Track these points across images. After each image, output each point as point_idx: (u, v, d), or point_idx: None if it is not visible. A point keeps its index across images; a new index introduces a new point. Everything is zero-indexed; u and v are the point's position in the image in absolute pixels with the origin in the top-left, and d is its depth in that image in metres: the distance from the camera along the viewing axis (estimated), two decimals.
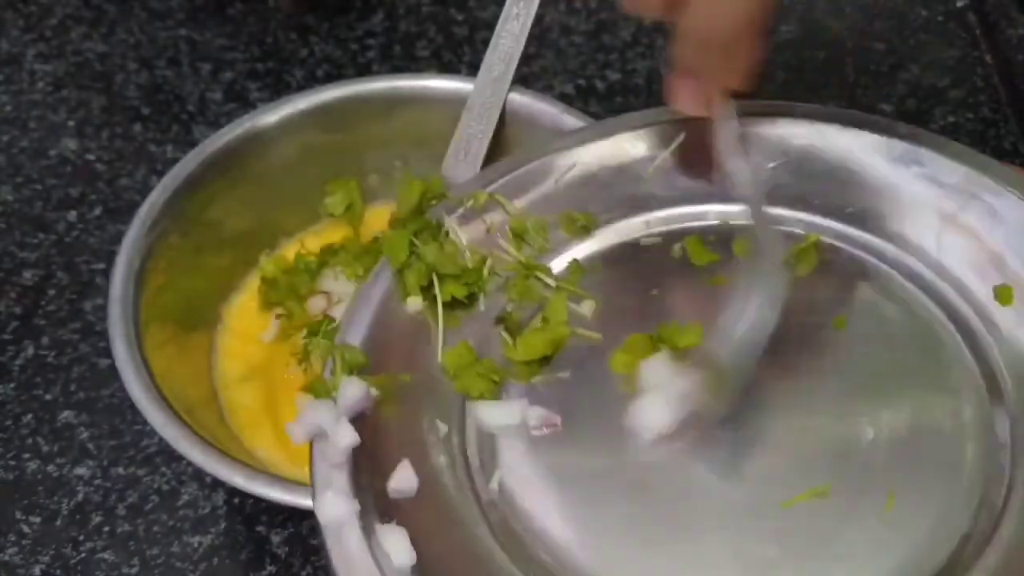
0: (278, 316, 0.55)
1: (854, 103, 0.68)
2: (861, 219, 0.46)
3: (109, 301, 0.48)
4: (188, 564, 0.49)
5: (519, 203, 0.48)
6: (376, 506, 0.38)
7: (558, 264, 0.47)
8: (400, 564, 0.37)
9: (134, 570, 0.49)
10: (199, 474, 0.52)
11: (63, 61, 0.75)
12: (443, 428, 0.42)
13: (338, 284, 0.55)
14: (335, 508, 0.38)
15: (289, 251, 0.59)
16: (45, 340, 0.58)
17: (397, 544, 0.37)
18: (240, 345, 0.55)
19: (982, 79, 0.70)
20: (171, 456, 0.53)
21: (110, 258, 0.51)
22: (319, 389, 0.41)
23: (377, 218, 0.61)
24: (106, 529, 0.50)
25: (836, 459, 0.40)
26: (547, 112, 0.56)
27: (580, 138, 0.50)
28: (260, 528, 0.50)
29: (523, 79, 0.56)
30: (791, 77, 0.71)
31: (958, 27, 0.74)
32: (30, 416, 0.55)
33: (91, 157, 0.68)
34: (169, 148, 0.69)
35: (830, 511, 0.38)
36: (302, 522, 0.50)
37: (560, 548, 0.39)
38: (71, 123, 0.71)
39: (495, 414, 0.42)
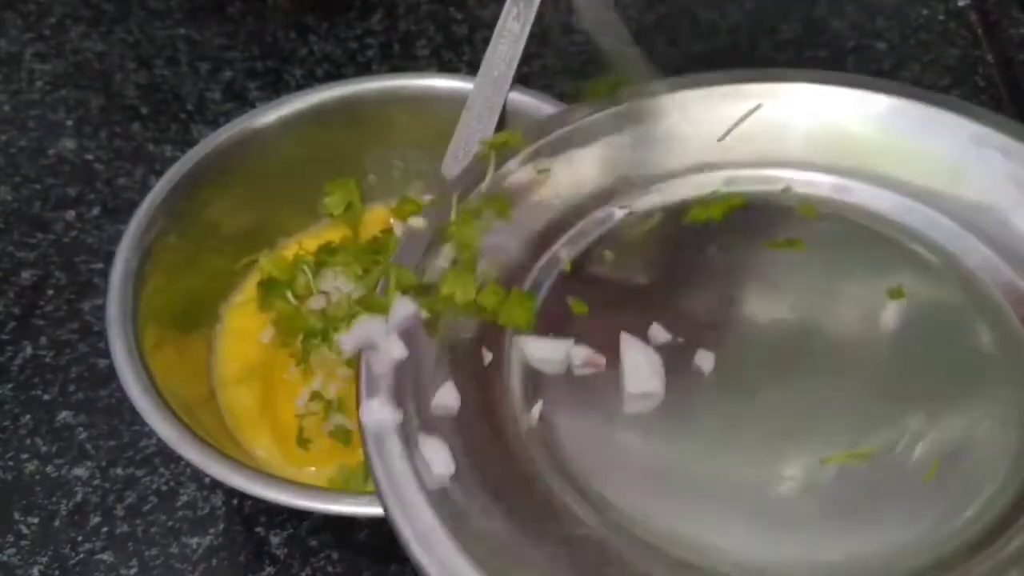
0: (273, 322, 0.55)
1: None
2: (925, 195, 0.47)
3: (107, 301, 0.48)
4: (187, 565, 0.49)
5: (578, 153, 0.49)
6: (418, 419, 0.39)
7: (616, 215, 0.48)
8: (439, 472, 0.37)
9: (133, 571, 0.49)
10: (198, 475, 0.52)
11: (62, 60, 0.75)
12: (488, 356, 0.43)
13: (337, 284, 0.55)
14: (379, 415, 0.39)
15: (288, 251, 0.58)
16: (43, 340, 0.58)
17: (437, 454, 0.38)
18: (238, 345, 0.55)
19: (983, 78, 0.70)
20: (170, 457, 0.52)
21: (108, 258, 0.51)
22: (372, 305, 0.43)
23: (376, 218, 0.61)
24: (105, 530, 0.50)
25: (883, 423, 0.40)
26: (547, 112, 0.56)
27: (652, 91, 0.50)
28: (259, 529, 0.50)
29: (523, 79, 0.56)
30: None
31: (959, 26, 0.74)
32: (28, 416, 0.55)
33: (90, 157, 0.68)
34: (168, 148, 0.68)
35: (870, 473, 0.38)
36: (301, 523, 0.50)
37: (593, 481, 0.39)
38: (70, 122, 0.70)
39: (541, 348, 0.43)
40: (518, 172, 0.48)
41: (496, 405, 0.41)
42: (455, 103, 0.56)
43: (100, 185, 0.66)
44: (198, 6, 0.79)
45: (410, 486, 0.37)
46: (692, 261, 0.47)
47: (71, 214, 0.64)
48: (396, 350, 0.41)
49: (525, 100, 0.56)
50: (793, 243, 0.46)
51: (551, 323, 0.44)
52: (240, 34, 0.77)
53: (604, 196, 0.49)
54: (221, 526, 0.50)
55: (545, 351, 0.43)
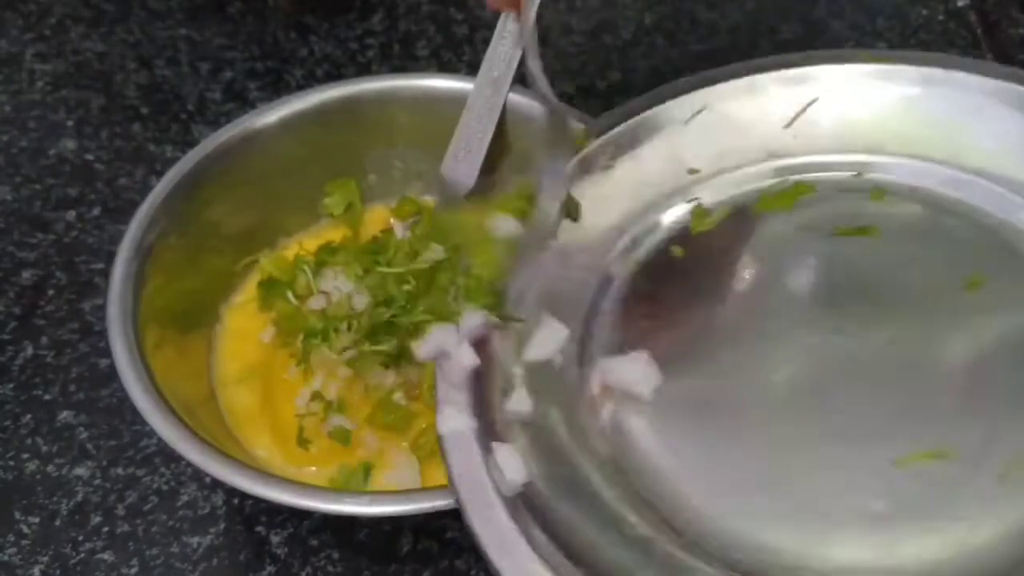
0: (273, 322, 0.55)
1: None
2: (1004, 179, 0.45)
3: (108, 301, 0.48)
4: (187, 564, 0.49)
5: (643, 148, 0.48)
6: (492, 425, 0.40)
7: (682, 208, 0.47)
8: (512, 480, 0.38)
9: (133, 570, 0.49)
10: (198, 474, 0.52)
11: (62, 61, 0.75)
12: (558, 360, 0.43)
13: (338, 284, 0.55)
14: (454, 423, 0.40)
15: (288, 251, 0.58)
16: (44, 340, 0.58)
17: (510, 461, 0.39)
18: (239, 345, 0.55)
19: None
20: (170, 456, 0.52)
21: (109, 258, 0.51)
22: (444, 314, 0.44)
23: (376, 218, 0.61)
24: (105, 529, 0.50)
25: (958, 422, 0.39)
26: (551, 95, 0.56)
27: (712, 78, 0.49)
28: (259, 528, 0.50)
29: (523, 79, 0.56)
30: None
31: (959, 26, 0.74)
32: (29, 416, 0.55)
33: (90, 157, 0.68)
34: (168, 148, 0.68)
35: (946, 472, 0.37)
36: (302, 522, 0.50)
37: (666, 486, 0.39)
38: (70, 123, 0.71)
39: (616, 366, 0.43)
40: (584, 169, 0.48)
41: (568, 409, 0.41)
42: (455, 103, 0.56)
43: (101, 185, 0.66)
44: (199, 6, 0.79)
45: (487, 492, 0.38)
46: (762, 253, 0.46)
47: (72, 214, 0.65)
48: (467, 359, 0.42)
49: (525, 100, 0.56)
50: (866, 230, 0.45)
51: (621, 325, 0.44)
52: (241, 34, 0.77)
53: (671, 190, 0.48)
54: (222, 526, 0.50)
55: (621, 369, 0.42)
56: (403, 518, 0.50)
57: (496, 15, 0.56)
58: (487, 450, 0.39)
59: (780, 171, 0.48)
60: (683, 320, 0.44)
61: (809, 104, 0.48)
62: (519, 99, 0.56)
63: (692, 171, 0.48)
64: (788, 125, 0.48)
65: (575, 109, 0.55)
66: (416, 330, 0.52)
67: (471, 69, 0.62)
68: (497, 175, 0.59)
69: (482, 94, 0.56)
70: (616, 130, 0.49)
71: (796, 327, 0.42)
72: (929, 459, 0.37)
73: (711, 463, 0.39)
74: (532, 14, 0.48)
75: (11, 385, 0.56)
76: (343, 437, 0.49)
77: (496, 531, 0.36)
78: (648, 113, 0.49)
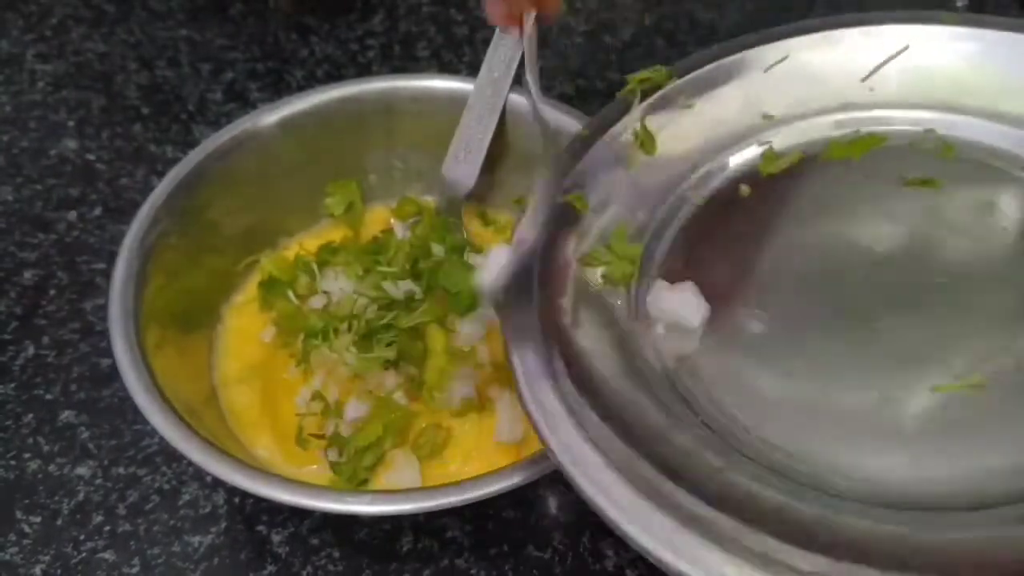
0: (274, 322, 0.55)
1: None
2: None
3: (109, 301, 0.48)
4: (189, 564, 0.49)
5: (721, 91, 0.49)
6: (563, 359, 0.40)
7: (753, 151, 0.49)
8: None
9: (135, 570, 0.49)
10: (199, 474, 0.52)
11: (63, 61, 0.75)
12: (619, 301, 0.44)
13: (338, 284, 0.55)
14: (531, 364, 0.40)
15: (289, 251, 0.59)
16: (45, 340, 0.58)
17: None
18: (240, 345, 0.55)
19: None
20: (171, 456, 0.53)
21: (110, 258, 0.51)
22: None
23: (377, 218, 0.61)
24: (107, 529, 0.50)
25: (997, 356, 0.40)
26: (547, 112, 0.56)
27: (796, 30, 0.50)
28: (260, 527, 0.50)
29: (523, 80, 0.56)
30: None
31: None
32: (31, 416, 0.55)
33: (91, 157, 0.68)
34: (169, 148, 0.69)
35: (980, 402, 0.39)
36: (302, 522, 0.50)
37: (725, 409, 0.40)
38: (71, 123, 0.71)
39: (669, 300, 0.44)
40: (661, 106, 0.49)
41: (628, 344, 0.42)
42: (455, 104, 0.57)
43: (102, 185, 0.66)
44: (199, 7, 0.79)
45: (563, 420, 0.38)
46: (826, 198, 0.47)
47: (73, 214, 0.65)
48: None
49: (525, 100, 0.56)
50: (929, 182, 0.46)
51: (680, 252, 0.45)
52: (241, 35, 0.77)
53: (744, 132, 0.49)
54: (223, 525, 0.50)
55: (670, 298, 0.44)
56: (403, 517, 0.50)
57: None
58: (562, 382, 0.39)
59: (852, 122, 0.49)
60: (740, 255, 0.45)
61: (889, 59, 0.49)
62: (519, 99, 0.56)
63: (767, 116, 0.49)
64: (866, 78, 0.49)
65: (576, 110, 0.56)
66: (416, 330, 0.52)
67: (471, 70, 0.62)
68: (497, 175, 0.59)
69: (482, 95, 0.56)
70: (698, 72, 0.50)
71: (850, 267, 0.44)
72: (967, 388, 0.39)
73: (765, 388, 0.41)
74: (531, 28, 0.51)
75: (12, 385, 0.56)
76: (340, 443, 0.49)
77: (574, 453, 0.37)
78: (731, 58, 0.50)
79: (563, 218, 0.45)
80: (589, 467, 0.36)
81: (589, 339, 0.41)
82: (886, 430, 0.39)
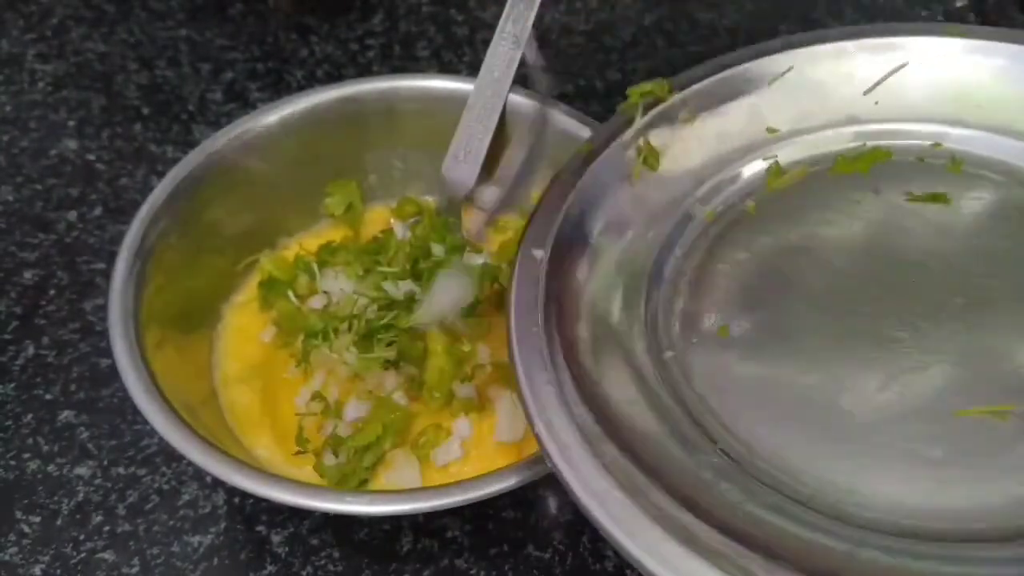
0: (274, 322, 0.55)
1: None
2: None
3: (109, 301, 0.48)
4: (188, 564, 0.49)
5: (725, 104, 0.49)
6: (562, 349, 0.40)
7: (759, 165, 0.48)
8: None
9: (134, 570, 0.49)
10: (199, 474, 0.52)
11: (63, 61, 0.75)
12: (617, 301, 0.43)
13: (338, 284, 0.55)
14: (530, 351, 0.39)
15: (289, 251, 0.59)
16: (45, 340, 0.58)
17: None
18: (240, 345, 0.55)
19: None
20: (171, 456, 0.53)
21: (110, 258, 0.51)
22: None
23: (377, 218, 0.61)
24: (106, 529, 0.50)
25: (1019, 380, 0.39)
26: (547, 112, 0.56)
27: (800, 42, 0.50)
28: (260, 528, 0.50)
29: (523, 79, 0.56)
30: None
31: None
32: (30, 416, 0.55)
33: (91, 157, 0.68)
34: (169, 148, 0.69)
35: (1003, 429, 0.38)
36: (302, 522, 0.50)
37: (724, 415, 0.40)
38: (71, 123, 0.71)
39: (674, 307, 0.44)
40: (664, 120, 0.49)
41: (626, 340, 0.42)
42: (455, 104, 0.57)
43: (102, 185, 0.66)
44: (199, 7, 0.79)
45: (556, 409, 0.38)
46: (833, 213, 0.47)
47: (73, 214, 0.65)
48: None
49: (525, 100, 0.56)
50: (938, 198, 0.46)
51: (691, 277, 0.45)
52: (241, 35, 0.77)
53: (749, 147, 0.49)
54: (222, 525, 0.50)
55: (676, 309, 0.43)
56: (403, 517, 0.50)
57: (496, 16, 0.56)
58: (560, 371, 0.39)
59: (859, 136, 0.49)
60: (752, 272, 0.45)
61: (893, 71, 0.49)
62: (519, 99, 0.56)
63: (771, 130, 0.49)
64: (869, 91, 0.49)
65: (576, 111, 0.56)
66: (416, 331, 0.52)
67: (471, 70, 0.62)
68: (497, 175, 0.59)
69: (482, 95, 0.56)
70: (701, 84, 0.49)
71: (859, 284, 0.43)
72: (989, 415, 0.38)
73: (767, 399, 0.40)
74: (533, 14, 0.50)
75: (12, 385, 0.56)
76: (338, 444, 0.49)
77: (561, 441, 0.37)
78: (734, 70, 0.50)
79: (571, 241, 0.44)
80: (609, 502, 0.35)
81: (602, 367, 0.41)
82: (906, 453, 0.38)
